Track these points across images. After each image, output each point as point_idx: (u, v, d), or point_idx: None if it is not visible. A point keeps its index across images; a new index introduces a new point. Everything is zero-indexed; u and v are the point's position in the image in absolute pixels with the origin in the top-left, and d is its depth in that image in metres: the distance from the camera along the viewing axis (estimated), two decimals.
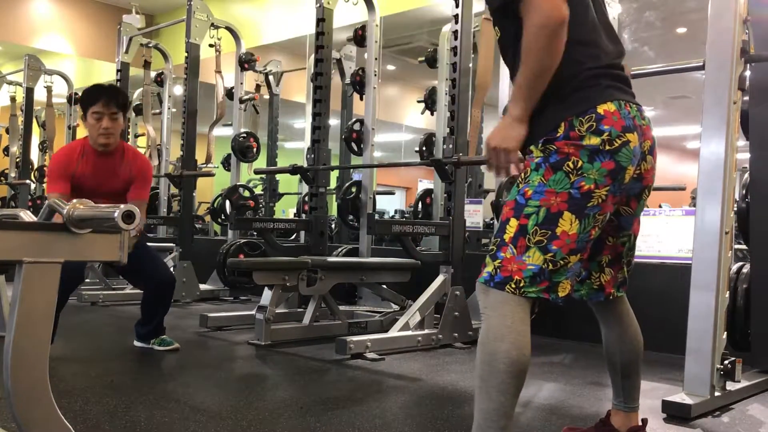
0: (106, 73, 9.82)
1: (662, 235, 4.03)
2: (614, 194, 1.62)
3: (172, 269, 5.02)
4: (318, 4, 4.64)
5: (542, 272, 1.58)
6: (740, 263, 3.08)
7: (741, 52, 2.60)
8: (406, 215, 9.28)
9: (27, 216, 1.28)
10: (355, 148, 4.94)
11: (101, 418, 2.20)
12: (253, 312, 3.74)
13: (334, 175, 6.01)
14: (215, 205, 6.38)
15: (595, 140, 1.57)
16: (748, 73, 2.69)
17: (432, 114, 5.21)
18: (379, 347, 3.38)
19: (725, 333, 2.62)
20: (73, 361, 3.14)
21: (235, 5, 9.22)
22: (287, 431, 2.14)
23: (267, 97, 7.34)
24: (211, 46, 5.84)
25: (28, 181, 7.62)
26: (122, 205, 1.14)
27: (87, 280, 5.86)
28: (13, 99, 8.21)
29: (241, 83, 6.33)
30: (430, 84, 5.36)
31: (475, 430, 1.59)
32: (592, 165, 1.57)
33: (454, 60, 3.82)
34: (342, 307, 4.21)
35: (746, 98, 2.87)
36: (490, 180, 5.55)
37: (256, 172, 6.57)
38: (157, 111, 6.96)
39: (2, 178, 8.28)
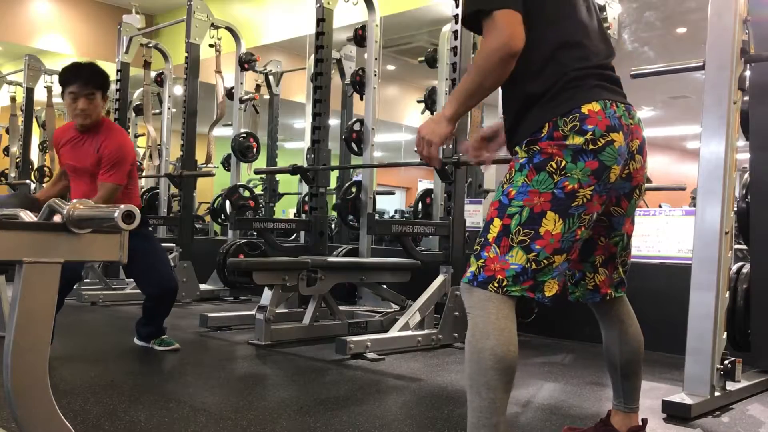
0: None
1: (662, 235, 4.04)
2: (600, 194, 1.62)
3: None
4: (318, 4, 4.65)
5: (525, 271, 1.59)
6: (740, 263, 3.08)
7: (741, 52, 2.60)
8: (406, 215, 9.28)
9: (27, 216, 1.28)
10: (355, 148, 4.94)
11: (101, 418, 2.20)
12: (253, 312, 3.74)
13: (334, 175, 6.02)
14: (215, 205, 6.38)
15: (578, 140, 1.57)
16: (748, 73, 2.69)
17: (432, 114, 5.21)
18: (379, 347, 3.38)
19: (725, 333, 2.62)
20: (73, 361, 3.14)
21: (235, 5, 9.22)
22: (287, 431, 2.14)
23: (267, 97, 7.34)
24: (211, 46, 5.84)
25: (28, 181, 7.62)
26: (122, 205, 1.14)
27: (87, 280, 5.87)
28: (13, 99, 8.21)
29: (241, 83, 6.33)
30: (430, 84, 5.37)
31: (469, 429, 1.59)
32: (575, 165, 1.57)
33: (454, 60, 3.82)
34: (342, 307, 4.21)
35: (746, 98, 2.88)
36: (490, 180, 5.56)
37: (256, 172, 6.57)
38: (157, 111, 6.96)
39: (2, 178, 8.28)
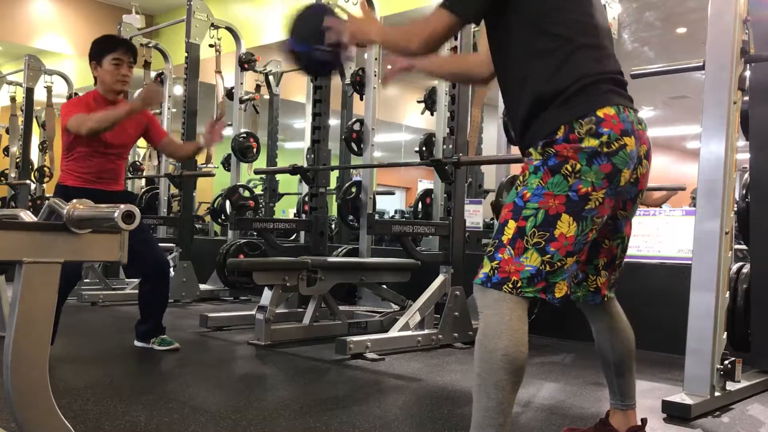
0: None
1: (662, 235, 4.04)
2: (611, 197, 1.63)
3: (171, 269, 5.01)
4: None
5: (539, 273, 1.60)
6: (740, 263, 3.08)
7: (741, 52, 2.60)
8: (406, 215, 9.29)
9: (27, 216, 1.28)
10: (355, 148, 4.94)
11: (101, 418, 2.20)
12: (253, 312, 3.74)
13: (334, 175, 6.02)
14: (215, 205, 6.38)
15: (593, 142, 1.58)
16: (748, 73, 2.69)
17: (432, 114, 5.22)
18: (379, 347, 3.38)
19: (725, 333, 2.62)
20: (73, 361, 3.14)
21: (235, 5, 9.22)
22: (287, 431, 2.14)
23: (267, 97, 7.34)
24: (211, 46, 5.84)
25: (28, 181, 7.62)
26: (122, 205, 1.14)
27: (87, 280, 5.87)
28: (13, 99, 8.21)
29: (241, 83, 6.33)
30: (430, 84, 5.36)
31: (473, 428, 1.59)
32: (590, 168, 1.58)
33: None
34: (342, 307, 4.21)
35: (746, 98, 2.87)
36: (490, 180, 5.56)
37: (256, 172, 6.58)
38: (158, 111, 6.96)
39: (2, 178, 8.27)
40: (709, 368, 2.49)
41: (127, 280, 6.08)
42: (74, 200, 1.19)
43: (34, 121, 8.16)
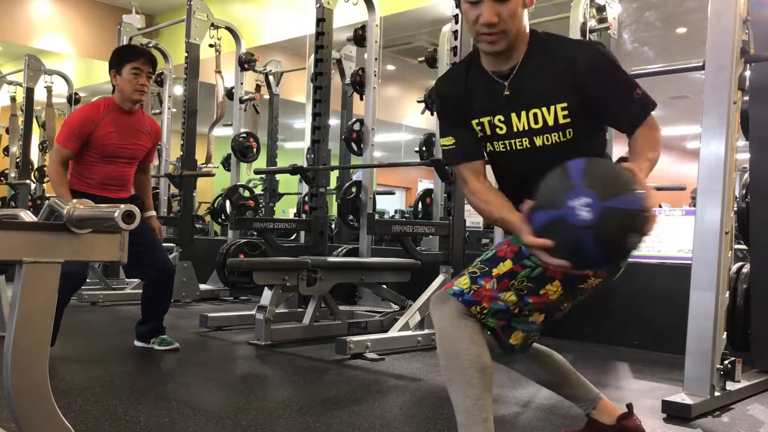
0: (106, 73, 9.80)
1: (662, 235, 4.04)
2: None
3: None
4: (318, 4, 4.64)
5: (507, 311, 1.66)
6: (740, 263, 3.08)
7: (741, 52, 2.60)
8: (406, 215, 9.28)
9: (27, 216, 1.28)
10: (355, 148, 4.94)
11: (101, 418, 2.20)
12: (253, 312, 3.74)
13: (334, 175, 6.02)
14: (215, 205, 6.38)
15: None
16: (748, 73, 2.69)
17: (432, 114, 5.21)
18: (379, 347, 3.38)
19: (725, 333, 2.62)
20: (73, 361, 3.14)
21: (235, 5, 9.22)
22: (287, 431, 2.14)
23: (267, 97, 7.34)
24: (211, 46, 5.84)
25: (28, 181, 7.62)
26: (122, 205, 1.14)
27: (87, 280, 5.86)
28: (13, 99, 8.21)
29: (241, 83, 6.33)
30: (430, 84, 5.36)
31: (460, 430, 1.61)
32: None
33: (454, 60, 3.82)
34: (342, 307, 4.21)
35: (746, 98, 2.87)
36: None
37: (256, 172, 6.57)
38: (158, 111, 6.96)
39: (2, 178, 8.27)
40: (709, 368, 2.49)
41: (127, 280, 6.08)
42: (74, 200, 1.19)
43: (34, 121, 8.16)
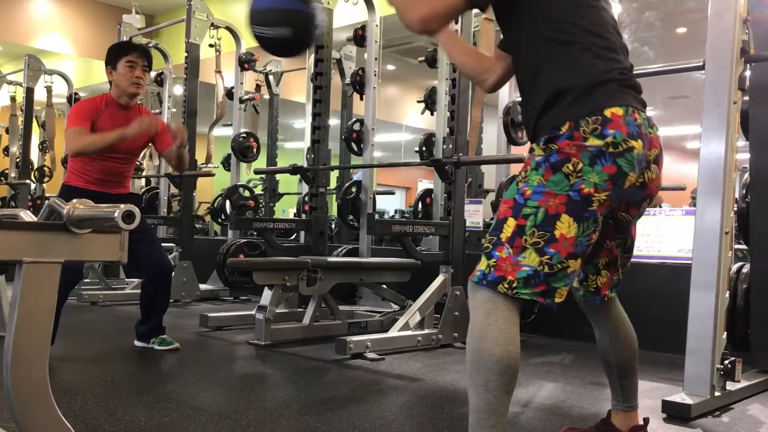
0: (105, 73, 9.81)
1: (662, 235, 4.04)
2: (612, 199, 1.60)
3: None
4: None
5: (537, 274, 1.55)
6: (740, 263, 3.08)
7: (741, 52, 2.60)
8: (406, 215, 9.29)
9: (27, 216, 1.28)
10: (355, 148, 4.94)
11: (101, 418, 2.20)
12: (253, 312, 3.74)
13: (334, 175, 6.01)
14: (215, 205, 6.38)
15: (598, 142, 1.55)
16: (748, 73, 2.69)
17: (432, 114, 5.21)
18: (379, 347, 3.38)
19: (725, 333, 2.62)
20: (73, 361, 3.14)
21: (235, 5, 9.21)
22: (287, 431, 2.14)
23: (267, 97, 7.33)
24: (211, 46, 5.84)
25: (28, 181, 7.62)
26: (122, 205, 1.14)
27: (87, 280, 5.87)
28: (13, 99, 8.21)
29: (241, 83, 6.33)
30: (430, 84, 5.36)
31: (469, 430, 1.58)
32: (592, 168, 1.54)
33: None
34: (342, 307, 4.21)
35: (746, 98, 2.87)
36: (490, 180, 5.56)
37: (256, 172, 6.57)
38: (158, 111, 6.96)
39: (2, 178, 8.27)
40: (709, 368, 2.49)
41: (127, 280, 6.08)
42: (74, 200, 1.19)
43: (34, 121, 8.16)
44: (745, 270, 3.02)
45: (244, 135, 6.13)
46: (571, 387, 2.89)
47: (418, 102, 5.36)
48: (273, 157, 7.27)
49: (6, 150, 8.36)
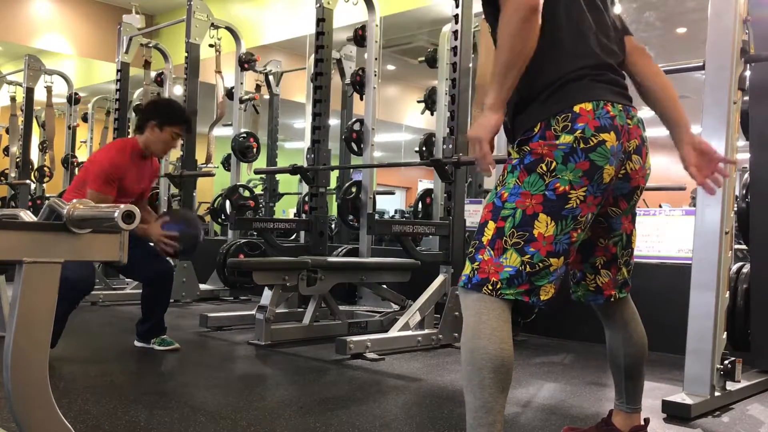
0: (106, 73, 9.83)
1: (662, 235, 4.03)
2: (594, 195, 1.59)
3: None
4: (318, 4, 4.65)
5: (520, 274, 1.57)
6: (740, 263, 3.08)
7: (741, 52, 2.60)
8: (406, 215, 9.28)
9: (27, 216, 1.28)
10: (355, 148, 4.94)
11: (101, 418, 2.20)
12: (253, 312, 3.74)
13: (334, 175, 6.01)
14: (215, 205, 6.38)
15: (568, 138, 1.55)
16: (748, 73, 2.69)
17: (432, 114, 5.22)
18: (379, 347, 3.38)
19: (725, 333, 2.62)
20: (73, 361, 3.14)
21: (235, 5, 9.22)
22: (287, 431, 2.14)
23: (267, 97, 7.34)
24: (211, 46, 5.84)
25: (28, 181, 7.62)
26: (122, 205, 1.14)
27: None
28: (13, 99, 8.21)
29: (241, 83, 6.33)
30: (430, 84, 5.36)
31: (467, 429, 1.59)
32: (565, 166, 1.55)
33: (454, 60, 3.82)
34: (342, 307, 4.21)
35: (746, 98, 2.87)
36: (490, 180, 5.56)
37: (256, 172, 6.57)
38: None
39: (2, 178, 8.28)
40: (709, 368, 2.49)
41: (127, 280, 6.08)
42: (74, 200, 1.19)
43: (34, 121, 8.17)
44: (745, 270, 3.02)
45: (244, 135, 6.13)
46: (571, 387, 2.89)
47: (418, 102, 5.36)
48: (273, 157, 7.27)
49: (6, 150, 8.37)
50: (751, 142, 3.04)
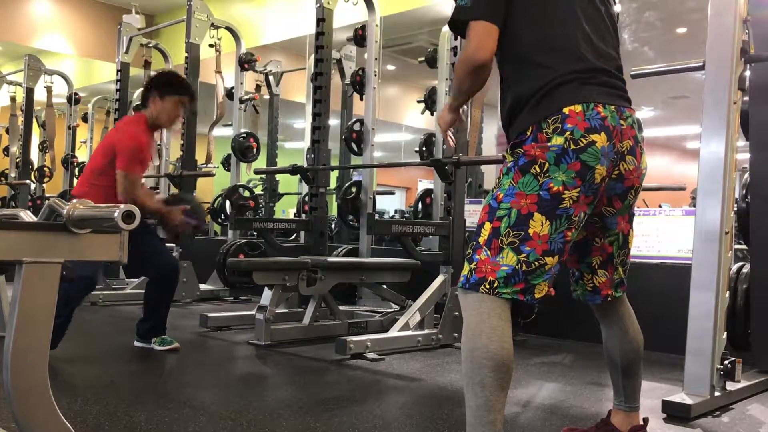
0: (106, 73, 9.83)
1: (662, 235, 4.03)
2: (586, 194, 1.62)
3: None
4: (318, 4, 4.64)
5: (516, 273, 1.60)
6: (740, 263, 3.08)
7: (741, 52, 2.60)
8: (406, 215, 9.28)
9: (27, 216, 1.28)
10: (355, 148, 4.94)
11: (101, 418, 2.20)
12: (253, 312, 3.74)
13: (334, 175, 6.01)
14: (215, 205, 6.38)
15: (559, 140, 1.59)
16: (748, 73, 2.69)
17: (432, 114, 5.21)
18: (379, 347, 3.38)
19: (725, 333, 2.62)
20: (73, 361, 3.14)
21: (235, 5, 9.21)
22: (287, 431, 2.14)
23: (267, 97, 7.33)
24: (211, 46, 5.84)
25: (28, 181, 7.62)
26: (122, 205, 1.14)
27: None
28: (13, 99, 8.21)
29: (241, 83, 6.33)
30: (430, 84, 5.36)
31: (468, 429, 1.60)
32: (558, 167, 1.59)
33: (454, 60, 3.82)
34: (342, 307, 4.21)
35: (746, 98, 2.87)
36: (490, 180, 5.56)
37: (256, 172, 6.57)
38: None
39: (2, 178, 8.27)
40: (709, 368, 2.49)
41: (127, 279, 6.08)
42: (74, 200, 1.19)
43: (34, 121, 8.16)
44: (745, 270, 3.02)
45: (244, 135, 6.13)
46: (571, 387, 2.89)
47: (418, 102, 5.36)
48: (273, 157, 7.27)
49: (6, 150, 8.37)
50: (751, 142, 3.05)
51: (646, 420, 1.93)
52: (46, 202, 1.28)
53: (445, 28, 4.90)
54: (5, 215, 1.31)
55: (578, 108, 1.61)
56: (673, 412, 2.42)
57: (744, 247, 3.59)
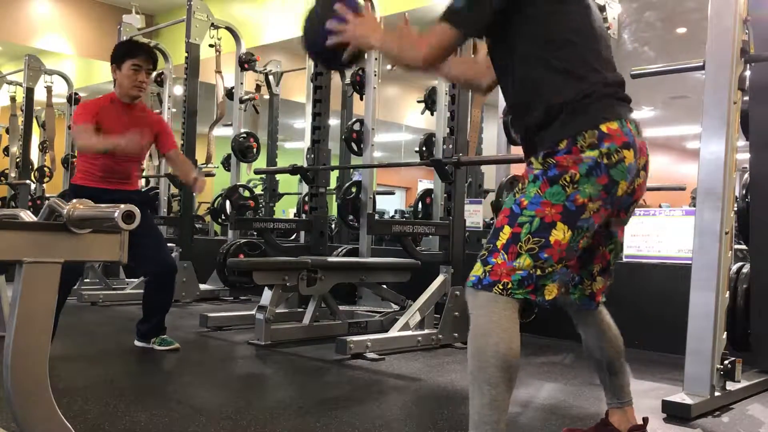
0: (106, 73, 9.82)
1: (662, 235, 4.03)
2: (605, 207, 1.66)
3: None
4: None
5: (530, 277, 1.63)
6: (740, 263, 3.08)
7: (741, 52, 2.60)
8: (406, 215, 9.28)
9: (27, 216, 1.28)
10: (355, 148, 4.94)
11: (101, 418, 2.20)
12: (253, 312, 3.74)
13: (334, 175, 6.01)
14: (215, 205, 6.38)
15: (593, 153, 1.61)
16: (748, 73, 2.69)
17: (432, 114, 5.21)
18: (379, 347, 3.38)
19: (725, 333, 2.62)
20: (73, 361, 3.14)
21: (235, 5, 9.22)
22: (287, 431, 2.14)
23: (267, 97, 7.33)
24: (211, 46, 5.84)
25: (28, 181, 7.62)
26: (122, 205, 1.14)
27: (87, 280, 5.87)
28: (13, 99, 8.21)
29: (241, 83, 6.32)
30: (430, 84, 5.36)
31: (471, 427, 1.60)
32: (588, 179, 1.61)
33: None
34: (342, 307, 4.21)
35: (746, 98, 2.87)
36: (490, 180, 5.56)
37: (256, 172, 6.57)
38: (158, 111, 6.96)
39: (2, 178, 8.27)
40: (709, 368, 2.49)
41: (127, 280, 6.08)
42: (74, 200, 1.19)
43: (34, 121, 8.16)
44: (745, 270, 3.01)
45: (244, 135, 6.13)
46: (571, 387, 2.89)
47: (418, 102, 5.36)
48: (273, 157, 7.27)
49: (6, 150, 8.36)
50: (751, 142, 3.05)
51: (646, 420, 1.94)
52: (46, 202, 1.28)
53: None
54: (5, 215, 1.31)
55: (614, 125, 1.64)
56: (673, 412, 2.42)
57: (744, 247, 3.59)
